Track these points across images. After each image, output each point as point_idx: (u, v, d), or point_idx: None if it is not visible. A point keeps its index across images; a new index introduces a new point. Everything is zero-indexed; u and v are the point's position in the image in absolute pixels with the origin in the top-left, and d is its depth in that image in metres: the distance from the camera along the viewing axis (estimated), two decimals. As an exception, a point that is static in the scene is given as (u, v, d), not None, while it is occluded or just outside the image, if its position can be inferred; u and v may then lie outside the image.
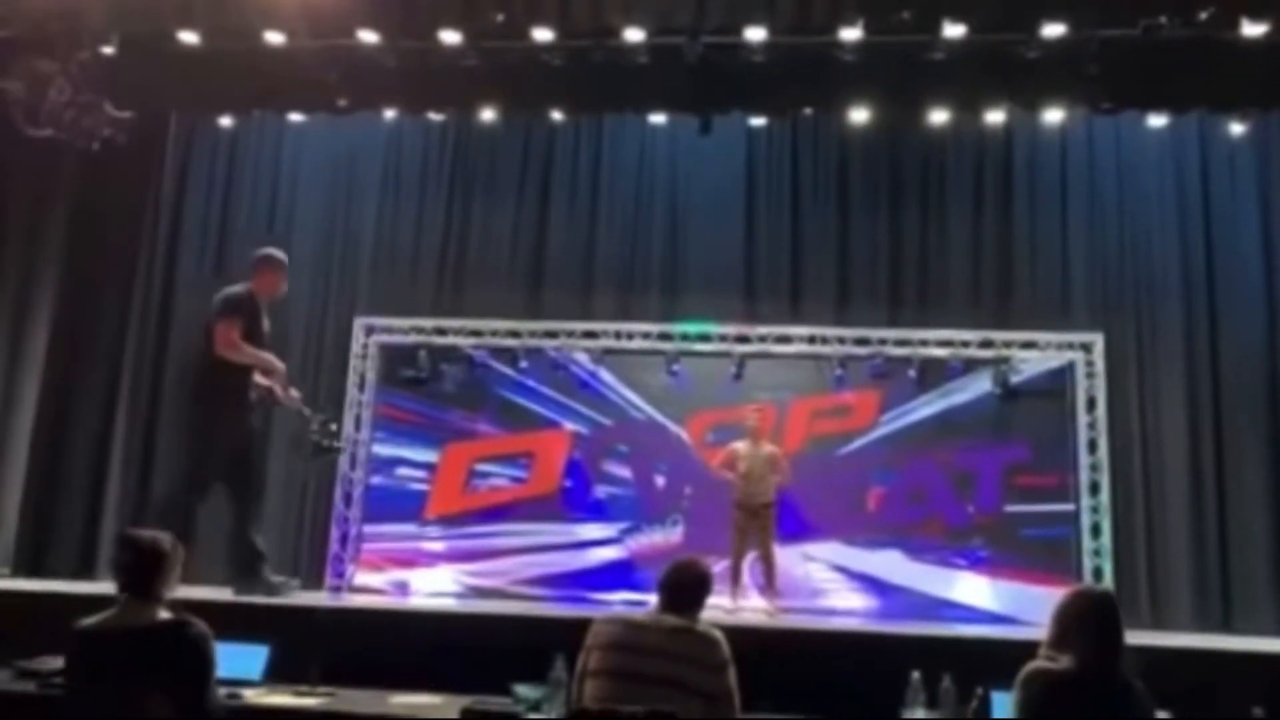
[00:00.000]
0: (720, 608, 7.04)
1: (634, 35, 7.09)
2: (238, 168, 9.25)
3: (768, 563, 7.52)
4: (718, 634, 3.39)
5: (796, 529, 8.19)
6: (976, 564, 8.13)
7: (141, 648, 3.27)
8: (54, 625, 3.51)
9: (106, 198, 8.56)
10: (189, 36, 7.24)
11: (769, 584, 7.53)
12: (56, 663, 3.86)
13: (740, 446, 7.73)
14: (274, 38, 7.18)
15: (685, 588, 3.53)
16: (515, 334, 8.73)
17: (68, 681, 3.49)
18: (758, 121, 8.42)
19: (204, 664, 3.32)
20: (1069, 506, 8.10)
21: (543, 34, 7.11)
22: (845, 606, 8.11)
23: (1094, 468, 8.14)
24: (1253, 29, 6.57)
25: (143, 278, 8.88)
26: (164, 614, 3.38)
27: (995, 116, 8.05)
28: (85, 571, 7.99)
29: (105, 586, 3.71)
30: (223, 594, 6.13)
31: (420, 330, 8.81)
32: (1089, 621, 3.11)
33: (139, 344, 8.77)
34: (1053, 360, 8.39)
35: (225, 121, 8.77)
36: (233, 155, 9.25)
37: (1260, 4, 6.43)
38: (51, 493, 8.25)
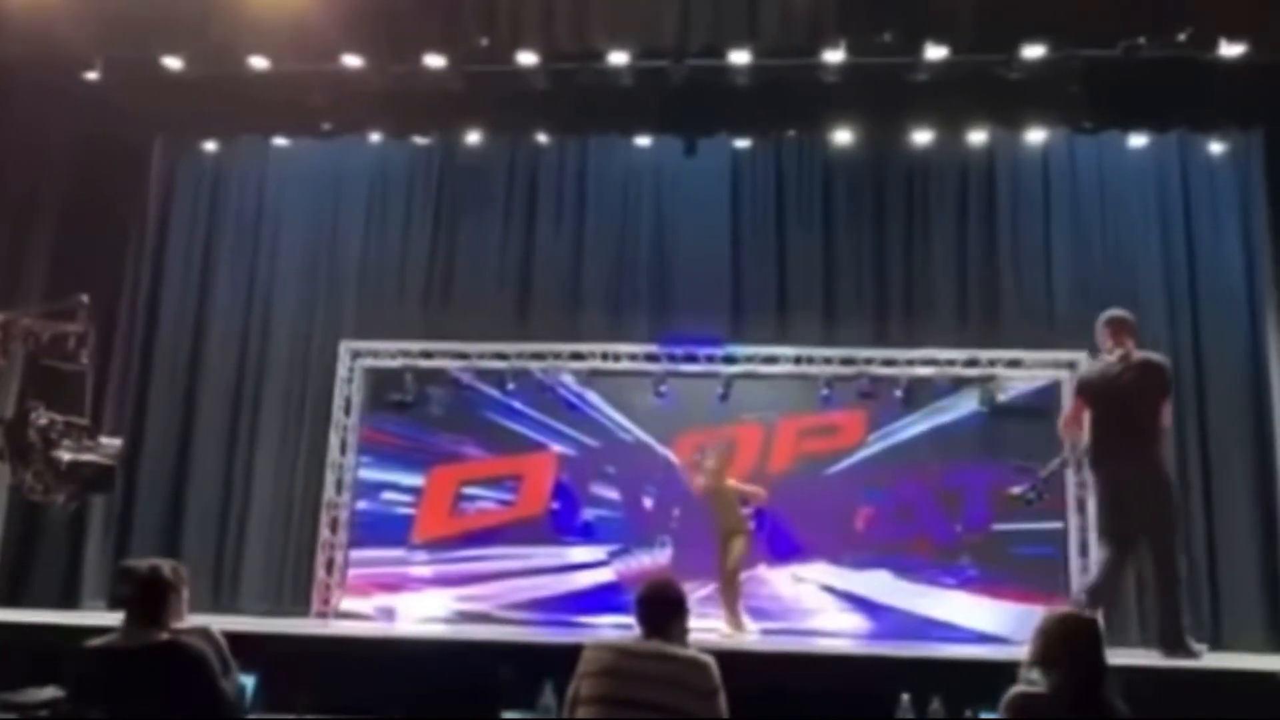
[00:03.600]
0: (718, 631, 7.03)
1: (618, 58, 7.14)
2: (222, 192, 9.23)
3: (732, 588, 7.36)
4: (708, 659, 3.38)
5: (786, 550, 8.17)
6: (965, 582, 8.12)
7: (143, 668, 3.32)
8: (36, 656, 3.48)
9: (90, 223, 8.52)
10: (173, 61, 7.26)
11: (731, 608, 7.30)
12: (40, 694, 3.83)
13: (701, 484, 7.62)
14: (259, 62, 7.21)
15: (660, 606, 3.50)
16: (502, 356, 8.70)
17: (71, 701, 3.53)
18: (742, 143, 8.49)
19: (203, 671, 3.37)
20: (1057, 525, 8.10)
21: (527, 57, 7.15)
22: (834, 627, 8.09)
23: (1081, 485, 8.14)
24: (1230, 49, 6.66)
25: (127, 302, 8.82)
26: (164, 637, 3.43)
27: (978, 136, 8.15)
28: (68, 601, 7.90)
29: (89, 616, 3.69)
30: (217, 622, 6.05)
31: (406, 353, 8.77)
32: (1070, 644, 3.12)
33: (123, 368, 8.69)
34: (1039, 378, 8.42)
35: (210, 145, 8.78)
36: (217, 179, 9.23)
37: (1238, 25, 6.51)
38: (33, 522, 8.15)
